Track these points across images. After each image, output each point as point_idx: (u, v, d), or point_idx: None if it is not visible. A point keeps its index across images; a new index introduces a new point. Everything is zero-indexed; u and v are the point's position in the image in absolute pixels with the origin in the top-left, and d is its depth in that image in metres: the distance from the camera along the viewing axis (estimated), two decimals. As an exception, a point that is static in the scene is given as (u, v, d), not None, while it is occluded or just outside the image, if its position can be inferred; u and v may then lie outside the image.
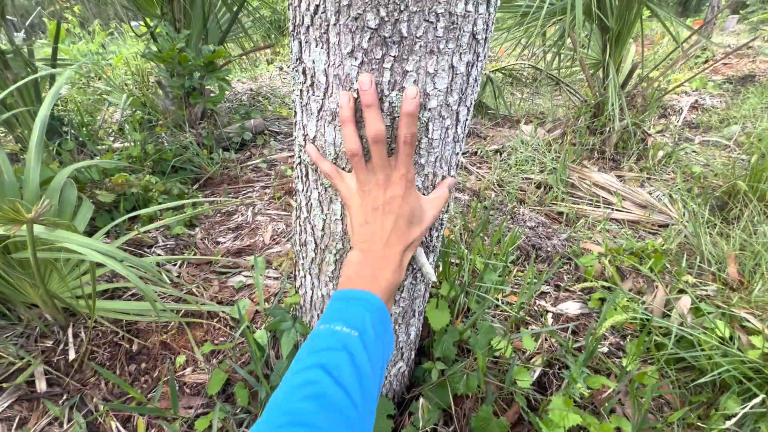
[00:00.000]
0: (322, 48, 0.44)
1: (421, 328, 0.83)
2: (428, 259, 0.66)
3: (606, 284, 1.20)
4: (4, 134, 2.37)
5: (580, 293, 1.23)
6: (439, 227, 0.62)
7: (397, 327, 0.72)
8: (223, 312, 1.13)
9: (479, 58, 0.47)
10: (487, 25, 0.45)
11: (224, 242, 1.49)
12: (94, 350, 1.02)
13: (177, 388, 0.95)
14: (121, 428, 0.88)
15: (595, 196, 1.81)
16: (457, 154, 0.55)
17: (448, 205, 0.63)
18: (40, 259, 0.90)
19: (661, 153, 2.32)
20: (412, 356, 0.86)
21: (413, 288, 0.68)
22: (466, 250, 1.10)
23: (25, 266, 0.95)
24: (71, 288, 1.03)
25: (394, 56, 0.42)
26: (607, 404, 0.84)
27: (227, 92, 3.61)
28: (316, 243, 0.62)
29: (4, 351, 0.96)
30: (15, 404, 0.91)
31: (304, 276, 0.69)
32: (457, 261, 1.19)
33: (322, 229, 0.59)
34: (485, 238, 1.44)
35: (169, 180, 1.73)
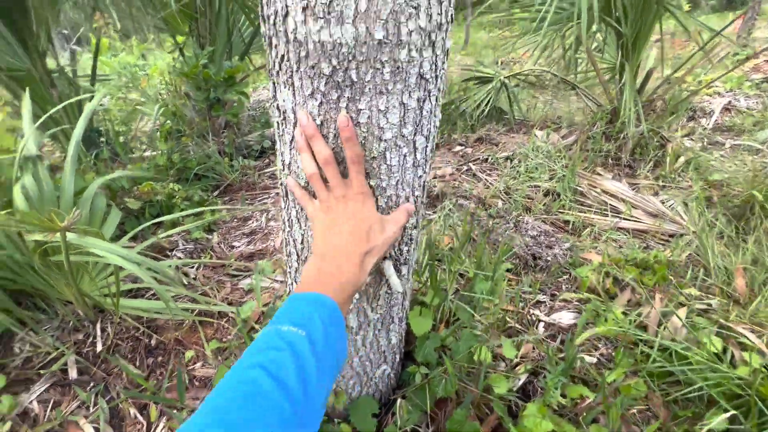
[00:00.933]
0: (289, 89, 0.51)
1: (404, 334, 0.89)
2: (403, 271, 0.71)
3: (592, 296, 1.21)
4: (51, 146, 2.61)
5: (577, 303, 1.24)
6: (409, 242, 0.68)
7: (377, 332, 0.78)
8: (232, 312, 1.22)
9: (431, 94, 0.53)
10: (436, 65, 0.51)
11: (238, 246, 1.60)
12: (118, 343, 1.14)
13: (187, 380, 1.04)
14: (138, 414, 0.99)
15: (604, 205, 1.79)
16: (420, 176, 0.61)
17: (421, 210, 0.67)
18: (73, 262, 1.02)
19: (681, 159, 2.25)
20: (397, 359, 0.91)
21: (389, 296, 0.73)
22: (455, 259, 1.14)
23: (61, 268, 1.08)
24: (99, 287, 1.16)
25: (348, 97, 0.48)
26: (586, 414, 0.86)
27: (250, 101, 3.77)
28: (297, 254, 0.68)
29: (43, 342, 1.09)
30: (50, 388, 1.03)
31: (291, 283, 0.76)
32: (450, 269, 1.23)
33: (302, 242, 0.66)
34: (485, 246, 1.47)
35: (192, 187, 1.87)
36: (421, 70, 0.49)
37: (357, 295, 0.70)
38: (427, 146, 0.58)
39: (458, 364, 0.86)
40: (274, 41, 0.48)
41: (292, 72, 0.49)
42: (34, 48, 1.85)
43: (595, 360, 1.04)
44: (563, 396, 0.87)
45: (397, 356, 0.90)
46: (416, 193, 0.62)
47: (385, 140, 0.52)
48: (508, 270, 1.36)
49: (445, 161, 2.36)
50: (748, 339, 0.98)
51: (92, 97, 2.19)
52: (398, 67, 0.47)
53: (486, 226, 1.61)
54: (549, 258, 1.40)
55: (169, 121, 2.77)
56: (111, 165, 2.24)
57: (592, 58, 2.23)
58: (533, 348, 1.04)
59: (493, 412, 0.90)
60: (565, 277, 1.37)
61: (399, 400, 0.82)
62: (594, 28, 2.33)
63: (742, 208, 1.67)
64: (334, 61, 0.46)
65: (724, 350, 0.97)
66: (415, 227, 0.67)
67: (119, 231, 1.50)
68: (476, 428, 0.77)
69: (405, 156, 0.55)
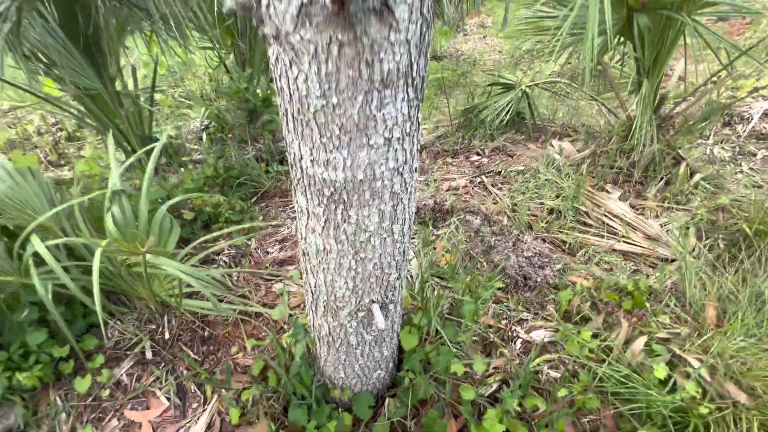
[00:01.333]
0: (303, 197, 0.74)
1: (395, 348, 1.13)
2: (390, 308, 0.94)
3: (561, 323, 1.38)
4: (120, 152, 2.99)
5: (556, 323, 1.43)
6: (393, 290, 0.90)
7: (372, 348, 1.03)
8: (266, 313, 1.52)
9: (402, 200, 0.74)
10: (406, 183, 0.72)
11: (272, 252, 1.89)
12: (181, 334, 1.47)
13: (232, 367, 1.35)
14: (197, 390, 1.31)
15: (604, 226, 1.91)
16: (399, 247, 0.83)
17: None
18: (148, 272, 1.34)
19: (697, 176, 2.28)
20: (391, 366, 1.16)
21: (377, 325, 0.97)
22: (450, 278, 1.36)
23: (140, 276, 1.40)
24: (166, 289, 1.48)
25: (342, 208, 0.71)
26: (538, 420, 1.08)
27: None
28: (312, 294, 0.93)
29: (126, 330, 1.43)
30: (133, 366, 1.38)
31: (309, 310, 1.02)
32: (448, 286, 1.45)
33: (315, 286, 0.90)
34: (484, 264, 1.66)
35: (234, 196, 2.17)
36: (393, 190, 0.70)
37: (355, 323, 0.95)
38: (403, 228, 0.80)
39: (436, 374, 1.10)
40: (294, 168, 0.71)
41: (305, 188, 0.72)
42: (105, 74, 2.18)
43: (559, 375, 1.24)
44: (520, 405, 1.08)
45: (391, 363, 1.15)
46: (396, 258, 0.84)
47: (369, 231, 0.75)
48: (500, 288, 1.55)
49: (461, 172, 2.52)
50: (692, 367, 1.14)
51: (151, 110, 2.52)
52: (375, 191, 0.69)
53: (487, 243, 1.80)
54: (539, 279, 1.58)
55: (213, 123, 3.10)
56: (167, 170, 2.60)
57: (609, 76, 2.27)
58: (506, 362, 1.25)
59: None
60: (551, 296, 1.54)
61: (388, 399, 1.07)
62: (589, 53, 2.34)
63: (741, 233, 1.74)
64: (332, 189, 0.68)
65: (671, 376, 1.14)
66: (398, 278, 0.90)
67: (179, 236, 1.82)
68: (444, 425, 1.00)
69: (385, 239, 0.78)
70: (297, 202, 0.78)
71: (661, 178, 2.23)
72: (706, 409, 1.01)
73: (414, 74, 0.58)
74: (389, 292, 0.90)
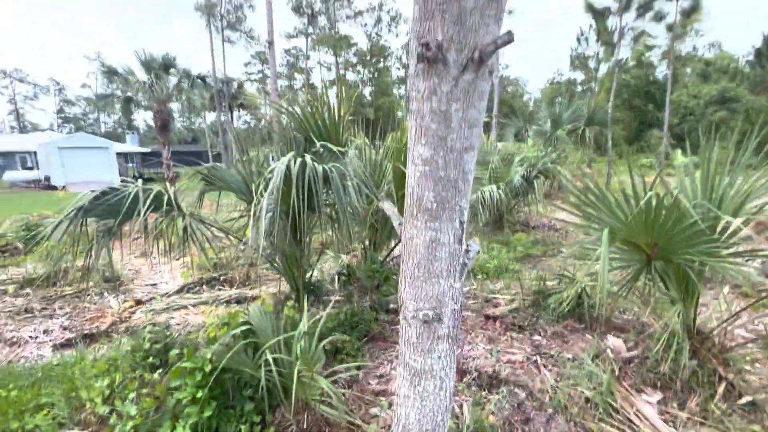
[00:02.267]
0: (402, 369, 1.71)
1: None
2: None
3: None
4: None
5: (565, 492, 1.93)
6: (438, 426, 1.73)
7: (424, 462, 1.80)
8: (364, 427, 2.36)
9: (444, 380, 1.65)
10: (446, 373, 1.64)
11: (372, 384, 2.80)
12: (312, 426, 2.40)
13: (339, 457, 2.19)
14: (317, 466, 2.16)
15: (630, 423, 2.34)
16: (442, 402, 1.69)
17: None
18: (306, 383, 2.38)
19: (746, 398, 2.55)
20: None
21: None
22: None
23: (303, 383, 2.44)
24: (311, 394, 2.49)
25: (417, 379, 1.65)
26: None
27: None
28: (397, 417, 1.82)
29: (285, 416, 2.43)
30: (285, 440, 2.32)
31: (393, 426, 1.88)
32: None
33: (399, 414, 1.79)
34: (517, 429, 2.28)
35: (353, 336, 3.24)
36: (440, 376, 1.63)
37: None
38: (446, 393, 1.68)
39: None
40: (400, 358, 1.71)
41: (404, 366, 1.69)
42: (300, 244, 3.73)
43: None
44: None
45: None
46: (441, 408, 1.70)
47: (428, 392, 1.65)
48: (525, 452, 2.14)
49: (521, 348, 3.20)
50: None
51: (313, 267, 3.96)
52: (433, 375, 1.62)
53: (527, 415, 2.41)
54: (558, 453, 2.12)
55: (345, 272, 4.46)
56: (314, 303, 3.89)
57: (644, 298, 2.89)
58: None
59: None
60: (566, 471, 2.05)
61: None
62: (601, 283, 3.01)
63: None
64: (414, 371, 1.64)
65: None
66: (441, 420, 1.73)
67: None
68: None
69: (435, 398, 1.67)
70: (398, 371, 1.75)
71: (700, 393, 2.56)
72: None
73: (451, 336, 1.57)
74: (437, 427, 1.73)
